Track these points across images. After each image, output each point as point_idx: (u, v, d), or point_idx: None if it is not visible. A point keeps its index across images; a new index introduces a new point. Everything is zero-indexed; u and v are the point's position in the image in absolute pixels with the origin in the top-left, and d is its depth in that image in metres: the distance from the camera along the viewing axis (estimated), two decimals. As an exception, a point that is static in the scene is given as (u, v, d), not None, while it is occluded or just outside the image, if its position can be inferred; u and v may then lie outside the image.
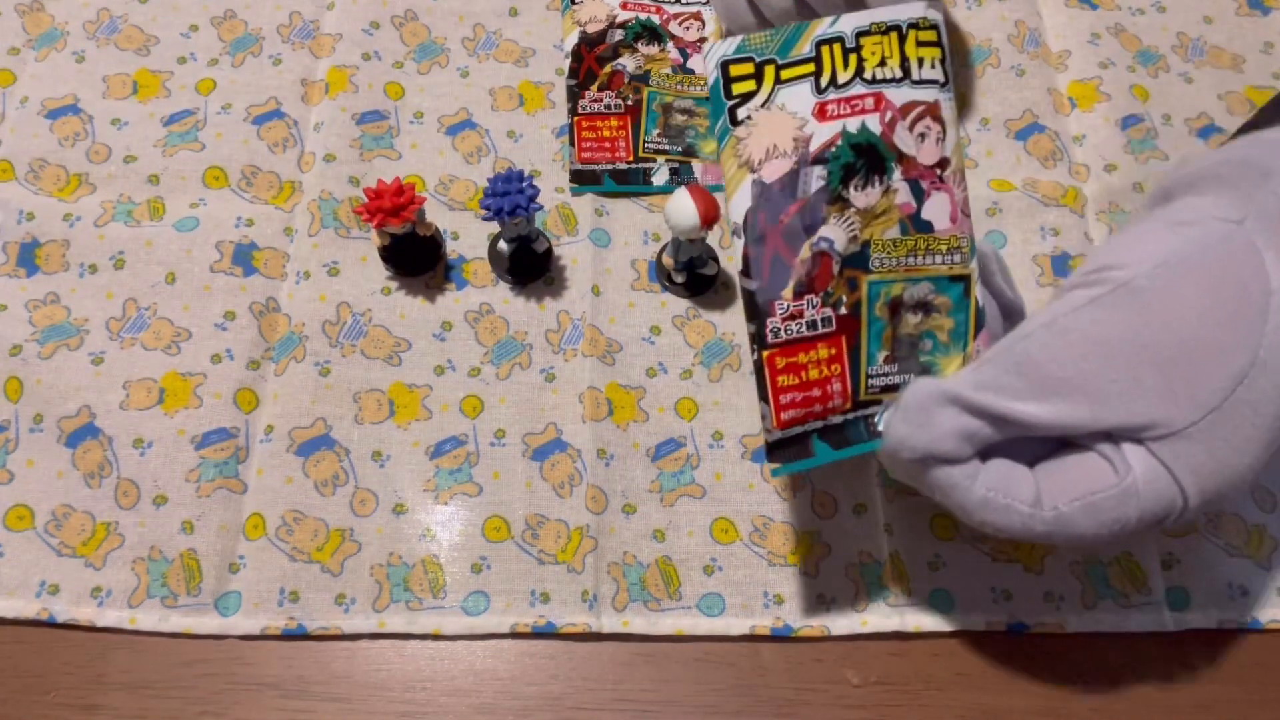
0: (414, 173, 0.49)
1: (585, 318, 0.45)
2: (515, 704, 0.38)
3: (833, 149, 0.32)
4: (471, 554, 0.40)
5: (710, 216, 0.41)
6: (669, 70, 0.51)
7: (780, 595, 0.40)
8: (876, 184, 0.32)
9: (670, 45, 0.52)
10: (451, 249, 0.47)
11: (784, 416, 0.32)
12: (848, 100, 0.32)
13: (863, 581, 0.40)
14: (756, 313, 0.32)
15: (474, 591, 0.40)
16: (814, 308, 0.32)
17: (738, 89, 0.32)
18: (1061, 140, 0.51)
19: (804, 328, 0.32)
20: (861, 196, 0.32)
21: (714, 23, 0.53)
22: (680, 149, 0.49)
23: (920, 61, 0.32)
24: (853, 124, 0.32)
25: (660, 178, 0.49)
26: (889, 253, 0.32)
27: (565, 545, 0.41)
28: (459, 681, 0.39)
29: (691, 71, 0.51)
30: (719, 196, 0.45)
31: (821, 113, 0.32)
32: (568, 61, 0.52)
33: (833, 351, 0.32)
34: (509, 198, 0.41)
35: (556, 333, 0.45)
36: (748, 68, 0.32)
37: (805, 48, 0.32)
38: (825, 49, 0.32)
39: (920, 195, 0.33)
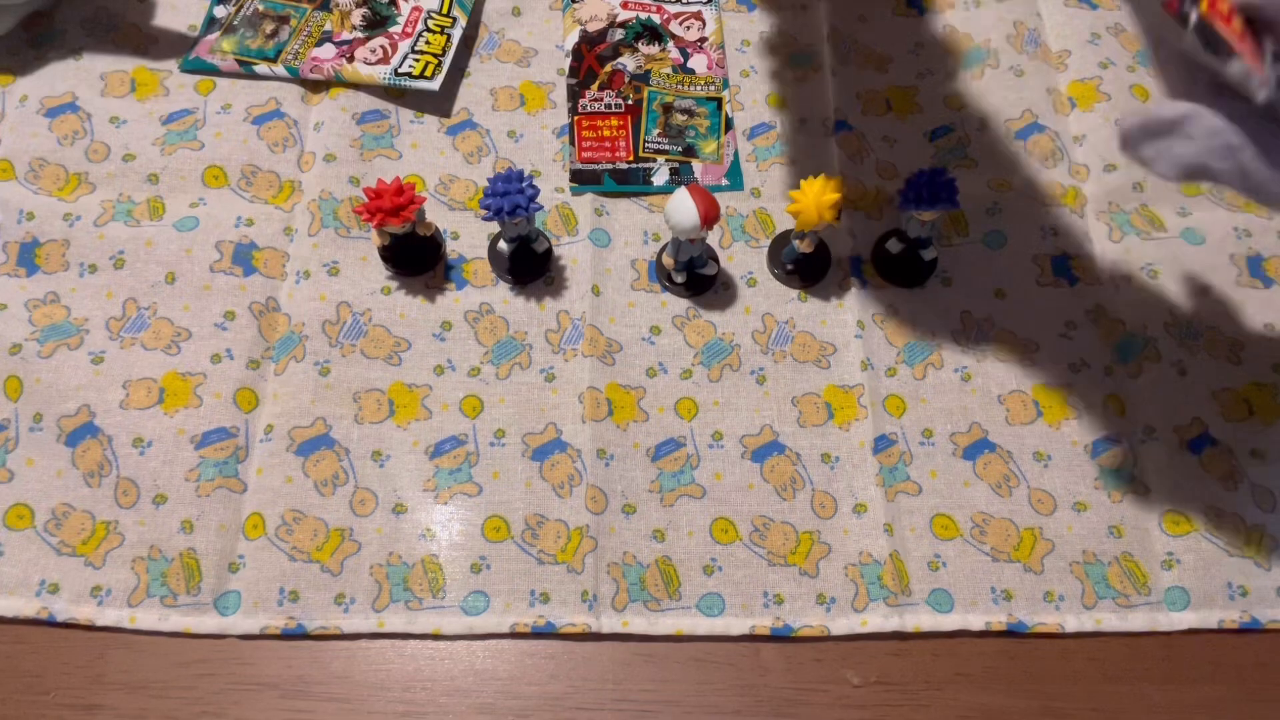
0: (414, 173, 0.49)
1: (585, 318, 0.45)
2: (515, 704, 0.38)
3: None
4: (471, 554, 0.40)
5: (710, 216, 0.41)
6: (669, 70, 0.51)
7: (780, 595, 0.40)
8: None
9: (671, 45, 0.52)
10: (451, 249, 0.47)
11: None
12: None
13: (863, 581, 0.40)
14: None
15: (474, 591, 0.40)
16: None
17: None
18: (1061, 140, 0.51)
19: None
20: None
21: (714, 22, 0.53)
22: (680, 149, 0.49)
23: None
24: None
25: (660, 178, 0.49)
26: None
27: (565, 545, 0.41)
28: (459, 681, 0.39)
29: (692, 71, 0.51)
30: (719, 196, 0.45)
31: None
32: (568, 60, 0.52)
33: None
34: (509, 198, 0.41)
35: (556, 333, 0.45)
36: None
37: None
38: None
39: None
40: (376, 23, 0.51)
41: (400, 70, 0.49)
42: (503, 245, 0.46)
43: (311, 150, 0.49)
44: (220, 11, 0.52)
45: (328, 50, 0.51)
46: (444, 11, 0.52)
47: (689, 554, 0.41)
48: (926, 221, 0.44)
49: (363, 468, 0.42)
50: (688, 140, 0.50)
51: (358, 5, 0.52)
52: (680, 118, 0.50)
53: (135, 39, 0.51)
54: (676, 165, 0.49)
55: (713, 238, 0.47)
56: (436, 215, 0.47)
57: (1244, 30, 0.28)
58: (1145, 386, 0.44)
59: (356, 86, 0.50)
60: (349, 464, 0.42)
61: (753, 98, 0.52)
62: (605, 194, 0.49)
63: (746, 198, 0.49)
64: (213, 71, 0.51)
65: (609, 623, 0.39)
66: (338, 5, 0.52)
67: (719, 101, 0.51)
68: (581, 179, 0.49)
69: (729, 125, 0.50)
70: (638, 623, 0.39)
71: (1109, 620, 0.40)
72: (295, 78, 0.50)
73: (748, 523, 0.41)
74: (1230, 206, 0.49)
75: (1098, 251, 0.48)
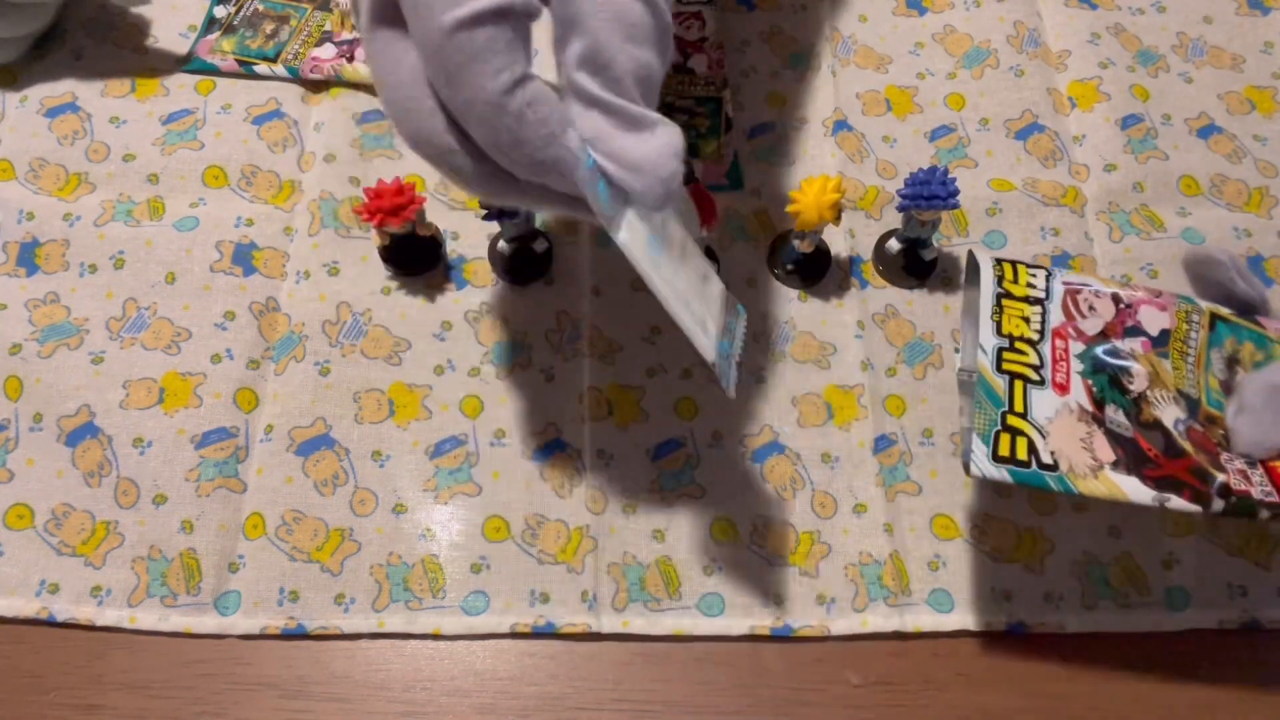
0: (414, 173, 0.49)
1: (585, 318, 0.45)
2: (515, 704, 0.38)
3: (1095, 391, 0.34)
4: (471, 554, 0.40)
5: (710, 217, 0.41)
6: (669, 70, 0.51)
7: (780, 595, 0.40)
8: (1132, 361, 0.35)
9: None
10: (451, 249, 0.47)
11: None
12: (1054, 363, 0.35)
13: (863, 581, 0.40)
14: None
15: (474, 591, 0.40)
16: (1252, 470, 0.34)
17: (1020, 454, 0.33)
18: (1061, 140, 0.51)
19: (1268, 485, 0.33)
20: (1140, 380, 0.35)
21: (713, 21, 0.53)
22: (680, 149, 0.49)
23: (1030, 270, 0.37)
24: (1075, 368, 0.35)
25: (660, 177, 0.49)
26: (1192, 377, 0.35)
27: (565, 545, 0.41)
28: (459, 681, 0.39)
29: (692, 71, 0.51)
30: (719, 196, 0.45)
31: (1063, 389, 0.34)
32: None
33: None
34: (509, 197, 0.41)
35: (556, 333, 0.45)
36: (1005, 441, 0.33)
37: (1000, 382, 0.34)
38: (1007, 364, 0.34)
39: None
40: None
41: (400, 70, 0.49)
42: (503, 245, 0.46)
43: (311, 150, 0.49)
44: (220, 11, 0.52)
45: (328, 50, 0.51)
46: (444, 11, 0.52)
47: (689, 554, 0.41)
48: (926, 221, 0.44)
49: (363, 468, 0.42)
50: (689, 140, 0.49)
51: None
52: (680, 118, 0.50)
53: (135, 39, 0.51)
54: (676, 165, 0.49)
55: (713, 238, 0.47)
56: (436, 215, 0.47)
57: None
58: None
59: (356, 86, 0.50)
60: (349, 464, 0.42)
61: (753, 98, 0.52)
62: (605, 194, 0.48)
63: (746, 198, 0.49)
64: (213, 71, 0.51)
65: (609, 623, 0.39)
66: (338, 5, 0.52)
67: (719, 101, 0.51)
68: (581, 179, 0.49)
69: (729, 125, 0.50)
70: (638, 623, 0.39)
71: (1109, 620, 0.40)
72: (295, 78, 0.50)
73: (748, 523, 0.41)
74: (1230, 206, 0.49)
75: (1098, 252, 0.48)
